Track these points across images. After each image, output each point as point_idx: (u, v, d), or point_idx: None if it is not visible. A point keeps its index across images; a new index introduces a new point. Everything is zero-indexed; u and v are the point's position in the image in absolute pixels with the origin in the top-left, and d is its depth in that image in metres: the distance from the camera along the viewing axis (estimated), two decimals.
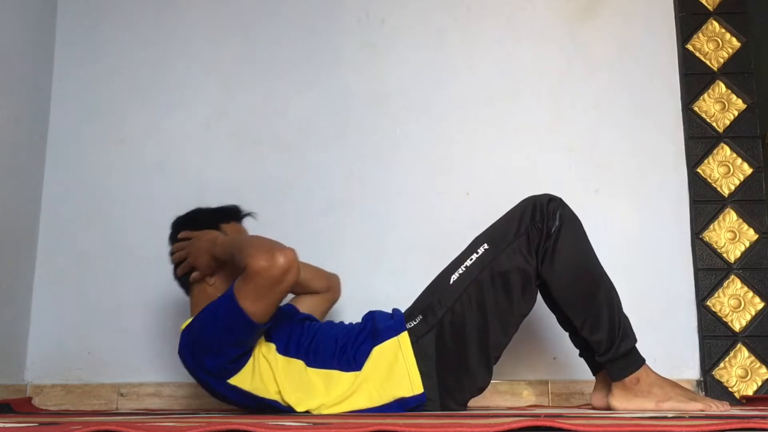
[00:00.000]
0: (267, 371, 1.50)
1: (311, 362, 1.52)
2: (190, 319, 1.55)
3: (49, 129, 2.19)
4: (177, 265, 1.64)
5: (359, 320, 1.66)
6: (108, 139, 2.19)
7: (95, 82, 2.22)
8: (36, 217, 2.13)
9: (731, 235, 2.04)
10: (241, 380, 1.49)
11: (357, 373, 1.51)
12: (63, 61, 2.23)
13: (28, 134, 2.11)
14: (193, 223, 1.65)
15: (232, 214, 1.68)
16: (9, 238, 1.99)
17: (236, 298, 1.41)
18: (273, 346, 1.53)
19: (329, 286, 1.86)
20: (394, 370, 1.51)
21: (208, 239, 1.58)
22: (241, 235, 1.63)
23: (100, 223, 2.14)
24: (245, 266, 1.40)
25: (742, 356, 1.97)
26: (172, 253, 1.65)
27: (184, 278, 1.64)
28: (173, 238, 1.66)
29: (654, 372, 1.55)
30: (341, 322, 1.68)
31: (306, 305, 1.78)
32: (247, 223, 2.10)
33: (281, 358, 1.52)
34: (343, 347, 1.55)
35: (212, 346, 1.46)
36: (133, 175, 2.16)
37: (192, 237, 1.61)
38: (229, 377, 1.48)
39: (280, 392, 1.49)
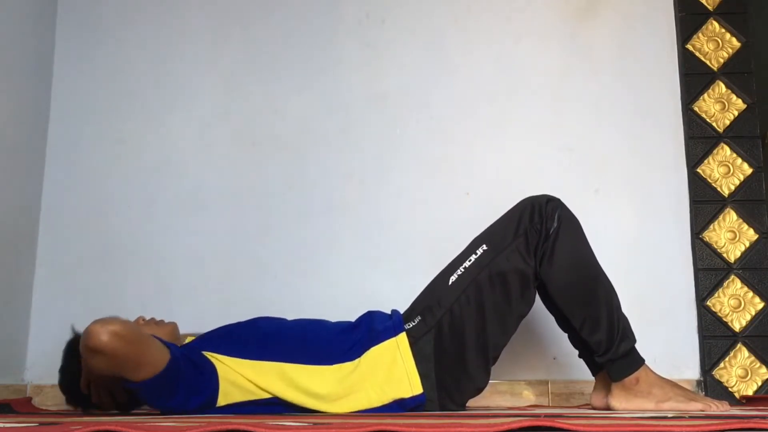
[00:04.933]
0: (245, 382, 1.48)
1: (293, 359, 1.50)
2: None
3: (49, 129, 2.19)
4: (105, 395, 1.55)
5: (353, 319, 1.65)
6: (108, 139, 2.19)
7: (95, 82, 2.22)
8: (36, 217, 2.13)
9: (731, 235, 2.04)
10: (229, 397, 1.48)
11: (343, 366, 1.50)
12: (63, 61, 2.24)
13: (28, 134, 2.11)
14: (70, 368, 1.58)
15: (74, 348, 1.56)
16: (9, 238, 1.99)
17: (134, 383, 1.38)
18: (235, 359, 1.50)
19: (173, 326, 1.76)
20: (392, 371, 1.51)
21: (86, 363, 1.46)
22: None
23: (100, 223, 2.14)
24: (97, 374, 1.41)
25: (742, 356, 1.97)
26: (92, 401, 1.56)
27: (127, 392, 1.53)
28: (75, 396, 1.59)
29: (654, 372, 1.55)
30: (321, 320, 1.66)
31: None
32: (251, 227, 2.11)
33: (248, 363, 1.49)
34: (330, 342, 1.54)
35: (177, 397, 1.44)
36: (132, 175, 2.16)
37: (81, 370, 1.53)
38: (215, 403, 1.47)
39: (271, 393, 1.49)
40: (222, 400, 1.48)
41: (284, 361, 1.51)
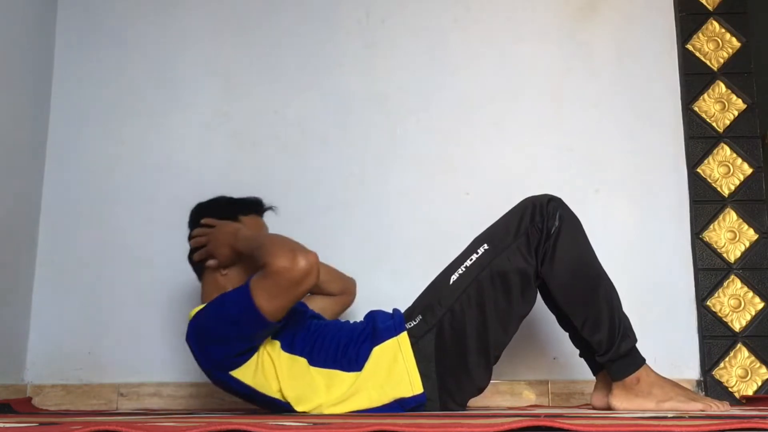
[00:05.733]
0: (270, 368, 1.50)
1: (314, 361, 1.52)
2: (200, 306, 1.55)
3: (49, 129, 2.19)
4: (194, 249, 1.64)
5: (361, 319, 1.66)
6: (108, 139, 2.19)
7: (95, 83, 2.22)
8: (36, 217, 2.13)
9: (731, 235, 2.04)
10: (244, 374, 1.49)
11: (357, 373, 1.51)
12: (63, 61, 2.23)
13: (28, 134, 2.11)
14: (214, 210, 1.65)
15: (253, 206, 1.69)
16: (9, 238, 1.99)
17: (252, 294, 1.41)
18: (277, 343, 1.52)
19: (344, 289, 1.86)
20: (393, 370, 1.51)
21: (230, 231, 1.58)
22: (263, 232, 1.64)
23: (100, 223, 2.14)
24: (265, 264, 1.41)
25: (742, 356, 1.97)
26: (191, 237, 1.65)
27: (199, 264, 1.64)
28: (194, 223, 1.66)
29: (654, 372, 1.55)
30: (347, 321, 1.69)
31: (318, 305, 1.78)
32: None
33: (285, 355, 1.52)
34: (346, 347, 1.55)
35: (221, 336, 1.46)
36: (133, 176, 2.16)
37: (215, 225, 1.61)
38: (231, 369, 1.48)
39: (281, 390, 1.49)
40: (238, 372, 1.48)
41: (308, 360, 1.52)
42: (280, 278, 1.39)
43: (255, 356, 1.49)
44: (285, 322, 1.52)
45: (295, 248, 1.41)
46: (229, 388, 1.53)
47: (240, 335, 1.45)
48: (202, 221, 1.63)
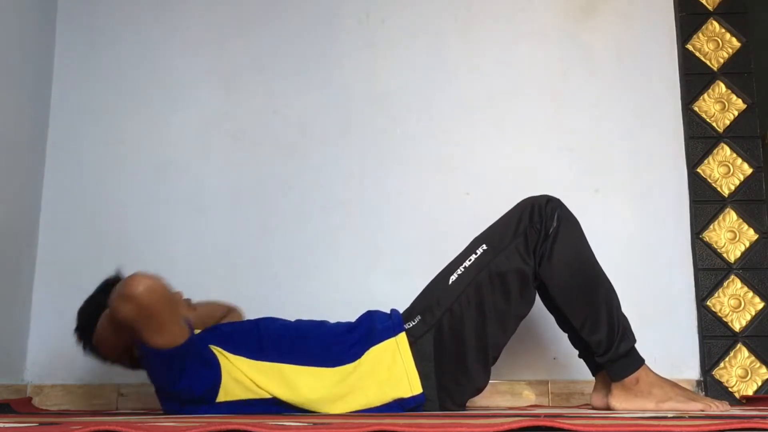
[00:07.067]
0: (248, 381, 1.49)
1: (294, 361, 1.51)
2: None
3: (49, 129, 2.19)
4: (115, 344, 1.55)
5: (353, 320, 1.65)
6: (108, 140, 2.19)
7: (95, 82, 2.22)
8: (36, 217, 2.13)
9: (731, 235, 2.04)
10: (230, 393, 1.48)
11: (343, 368, 1.51)
12: (63, 61, 2.23)
13: (28, 134, 2.11)
14: (89, 318, 1.57)
15: (110, 286, 1.56)
16: (9, 238, 1.99)
17: (149, 346, 1.40)
18: (241, 358, 1.51)
19: (229, 308, 1.84)
20: (392, 370, 1.51)
21: (102, 327, 1.52)
22: None
23: (99, 223, 2.14)
24: (118, 321, 1.40)
25: (742, 356, 1.97)
26: (97, 344, 1.56)
27: (137, 361, 1.57)
28: (88, 338, 1.58)
29: (653, 372, 1.55)
30: (324, 321, 1.66)
31: None
32: (251, 227, 2.11)
33: (255, 364, 1.50)
34: (330, 345, 1.54)
35: (180, 384, 1.45)
36: (133, 176, 2.16)
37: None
38: (215, 398, 1.47)
39: (270, 393, 1.49)
40: (222, 396, 1.48)
41: (285, 362, 1.51)
42: (135, 318, 1.37)
43: (225, 376, 1.47)
44: (233, 340, 1.52)
45: (119, 290, 1.38)
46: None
47: (182, 370, 1.44)
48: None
